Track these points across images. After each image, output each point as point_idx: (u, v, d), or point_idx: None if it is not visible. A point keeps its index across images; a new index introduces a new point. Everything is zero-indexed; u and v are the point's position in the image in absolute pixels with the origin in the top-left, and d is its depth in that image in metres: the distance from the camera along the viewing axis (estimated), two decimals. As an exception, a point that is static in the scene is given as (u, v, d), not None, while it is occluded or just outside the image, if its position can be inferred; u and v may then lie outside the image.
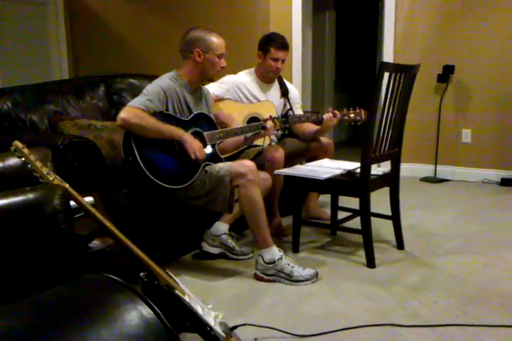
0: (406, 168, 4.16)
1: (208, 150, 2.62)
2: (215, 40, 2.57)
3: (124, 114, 2.37)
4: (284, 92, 3.29)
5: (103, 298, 0.94)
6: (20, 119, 2.77)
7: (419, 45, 4.55)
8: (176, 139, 2.45)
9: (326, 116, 3.07)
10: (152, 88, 2.49)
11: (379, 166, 4.31)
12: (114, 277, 1.01)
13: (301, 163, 3.08)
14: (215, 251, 2.72)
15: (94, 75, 3.57)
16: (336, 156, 3.24)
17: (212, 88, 3.02)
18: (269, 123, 2.75)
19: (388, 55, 4.63)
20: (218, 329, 1.62)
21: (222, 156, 2.71)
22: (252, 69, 3.26)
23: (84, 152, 2.33)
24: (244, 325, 1.98)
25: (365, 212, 2.61)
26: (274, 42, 3.11)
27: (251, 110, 3.16)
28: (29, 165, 1.63)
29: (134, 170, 2.39)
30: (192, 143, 2.46)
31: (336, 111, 3.08)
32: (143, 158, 2.37)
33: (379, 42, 5.16)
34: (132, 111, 2.38)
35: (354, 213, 2.95)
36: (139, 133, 2.38)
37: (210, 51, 2.55)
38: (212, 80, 2.71)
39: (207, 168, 2.53)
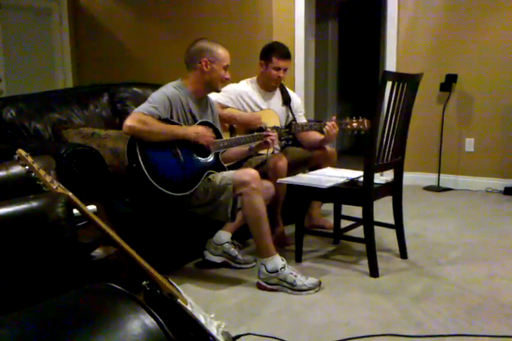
0: (409, 177, 4.16)
1: (211, 158, 2.62)
2: (221, 51, 2.60)
3: (129, 121, 2.39)
4: (286, 100, 3.30)
5: (105, 307, 0.94)
6: (24, 127, 2.78)
7: (421, 54, 4.56)
8: (182, 137, 2.48)
9: (326, 128, 3.07)
10: (157, 96, 2.51)
11: (382, 175, 4.31)
12: (117, 286, 1.01)
13: (303, 172, 3.08)
14: (217, 259, 2.71)
15: (97, 84, 3.59)
16: (339, 165, 3.24)
17: (216, 96, 3.03)
18: (273, 135, 2.76)
19: (391, 64, 4.64)
20: (221, 338, 1.61)
21: (225, 165, 2.71)
22: (254, 78, 3.28)
23: (87, 160, 2.33)
24: (247, 334, 1.97)
25: (368, 221, 2.60)
26: (276, 52, 3.12)
27: (253, 119, 3.16)
28: (33, 174, 1.63)
29: (137, 177, 2.40)
30: (197, 134, 2.51)
31: (334, 122, 3.07)
32: (147, 165, 2.38)
33: (381, 51, 5.17)
34: (137, 117, 2.40)
35: (357, 222, 2.95)
36: (146, 138, 2.40)
37: (216, 62, 2.58)
38: (217, 91, 2.72)
39: (210, 177, 2.54)
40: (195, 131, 2.53)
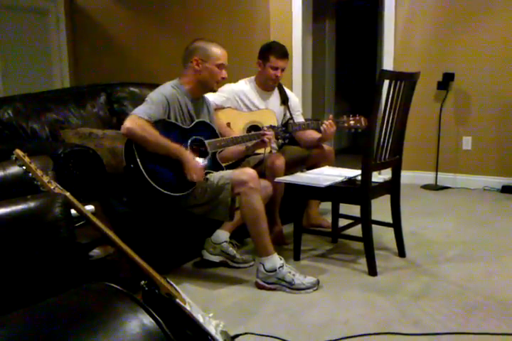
0: (407, 176, 4.15)
1: (208, 161, 2.62)
2: (215, 49, 2.59)
3: (129, 124, 2.38)
4: (284, 100, 3.30)
5: (104, 307, 0.94)
6: (22, 128, 2.77)
7: (418, 52, 4.57)
8: (175, 158, 2.45)
9: (323, 127, 3.07)
10: (155, 96, 2.51)
11: (380, 174, 4.32)
12: (115, 285, 1.00)
13: (301, 171, 3.08)
14: (215, 259, 2.71)
15: (95, 84, 3.58)
16: (337, 164, 3.24)
17: (212, 97, 3.02)
18: (269, 134, 2.75)
19: (388, 63, 4.65)
20: (219, 338, 1.61)
21: (223, 164, 2.71)
22: (252, 77, 3.28)
23: (85, 160, 2.33)
24: (246, 333, 1.97)
25: (366, 220, 2.61)
26: (274, 51, 3.12)
27: (251, 118, 3.17)
28: (30, 174, 1.63)
29: (135, 177, 2.39)
30: (190, 164, 2.45)
31: (331, 121, 3.07)
32: (144, 165, 2.37)
33: (379, 49, 5.18)
34: (137, 121, 2.39)
35: (355, 221, 2.95)
36: (141, 143, 2.39)
37: (209, 60, 2.57)
38: (213, 90, 2.71)
39: (208, 176, 2.53)
40: (190, 162, 2.45)
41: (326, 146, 3.32)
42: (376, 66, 5.46)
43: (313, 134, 3.25)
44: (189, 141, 2.56)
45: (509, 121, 4.34)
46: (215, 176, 2.51)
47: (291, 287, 2.40)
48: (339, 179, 2.67)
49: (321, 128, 3.08)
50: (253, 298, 2.37)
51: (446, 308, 2.22)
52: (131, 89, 3.41)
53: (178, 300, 1.56)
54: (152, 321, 0.90)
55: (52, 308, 0.95)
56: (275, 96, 3.30)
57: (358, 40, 6.63)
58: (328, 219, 3.18)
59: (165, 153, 2.43)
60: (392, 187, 2.83)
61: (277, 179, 2.78)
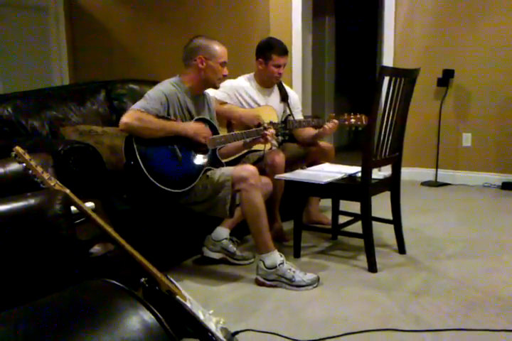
0: (407, 172, 4.17)
1: (209, 154, 2.62)
2: (217, 48, 2.59)
3: (126, 119, 2.38)
4: (284, 97, 3.30)
5: (104, 303, 0.94)
6: (21, 125, 2.77)
7: (418, 49, 4.56)
8: (179, 133, 2.47)
9: (328, 125, 3.06)
10: (154, 93, 2.50)
11: (380, 170, 4.31)
12: (116, 282, 1.01)
13: (301, 168, 3.08)
14: (216, 256, 2.71)
15: (94, 81, 3.58)
16: (337, 161, 3.24)
17: (214, 92, 3.02)
18: (269, 130, 2.75)
19: (388, 59, 4.64)
20: (220, 334, 1.62)
21: (223, 161, 2.71)
22: (251, 74, 3.27)
23: (85, 157, 2.33)
24: (246, 330, 1.97)
25: (366, 217, 2.61)
26: (276, 49, 3.11)
27: (252, 115, 3.16)
28: (30, 171, 1.63)
29: (135, 175, 2.39)
30: (195, 131, 2.51)
31: (335, 123, 3.07)
32: (144, 162, 2.37)
33: (379, 46, 5.17)
34: (134, 114, 2.39)
35: (355, 217, 2.95)
36: (142, 134, 2.39)
37: (212, 58, 2.57)
38: (215, 87, 2.71)
39: (208, 173, 2.53)
40: (192, 128, 2.53)
41: (326, 143, 3.32)
42: (376, 62, 5.46)
43: (310, 132, 3.24)
44: (192, 121, 2.57)
45: (509, 117, 4.33)
46: (216, 173, 2.51)
47: (291, 284, 2.40)
48: (339, 176, 2.67)
49: (325, 126, 3.08)
50: (253, 294, 2.37)
51: (446, 305, 2.22)
52: (131, 86, 3.41)
53: (178, 297, 1.56)
54: (152, 317, 0.90)
55: (53, 305, 0.95)
56: (275, 93, 3.30)
57: (357, 37, 6.61)
58: (328, 215, 3.18)
59: (168, 134, 2.46)
60: (392, 184, 2.83)
61: (277, 176, 2.78)
